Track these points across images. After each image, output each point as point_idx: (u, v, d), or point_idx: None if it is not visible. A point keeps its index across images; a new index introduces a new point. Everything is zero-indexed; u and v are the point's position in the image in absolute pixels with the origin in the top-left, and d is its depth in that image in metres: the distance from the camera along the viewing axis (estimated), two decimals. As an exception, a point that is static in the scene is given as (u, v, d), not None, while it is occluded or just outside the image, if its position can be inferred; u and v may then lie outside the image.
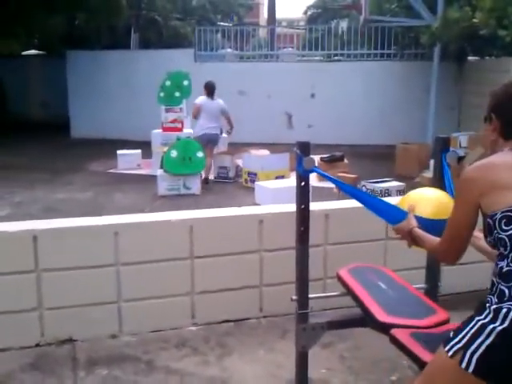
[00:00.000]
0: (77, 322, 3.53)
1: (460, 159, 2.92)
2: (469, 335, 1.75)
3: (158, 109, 9.89)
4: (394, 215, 2.41)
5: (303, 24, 36.14)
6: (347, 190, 2.80)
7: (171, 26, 25.90)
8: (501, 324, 1.70)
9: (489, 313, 1.74)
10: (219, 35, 17.53)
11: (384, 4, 12.14)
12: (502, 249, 1.80)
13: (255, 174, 8.80)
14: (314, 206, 4.04)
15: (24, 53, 20.88)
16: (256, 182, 8.07)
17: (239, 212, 3.86)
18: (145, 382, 3.12)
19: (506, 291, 1.74)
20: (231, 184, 9.18)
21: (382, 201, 2.63)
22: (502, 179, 1.81)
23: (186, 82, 10.02)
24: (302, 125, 13.82)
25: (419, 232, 2.22)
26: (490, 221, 1.81)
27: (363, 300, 2.70)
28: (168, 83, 9.96)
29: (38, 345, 3.46)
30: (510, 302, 1.71)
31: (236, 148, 10.25)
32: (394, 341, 2.35)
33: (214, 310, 3.77)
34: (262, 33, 31.06)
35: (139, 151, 10.81)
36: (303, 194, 2.85)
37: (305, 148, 2.83)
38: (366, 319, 2.70)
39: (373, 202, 2.63)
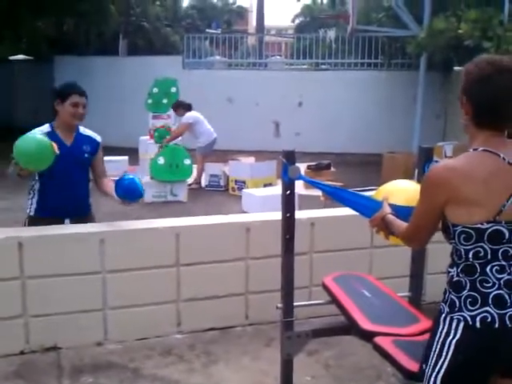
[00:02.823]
0: (62, 330, 3.51)
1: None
2: (434, 358, 1.82)
3: (146, 115, 9.88)
4: (372, 208, 2.40)
5: (292, 32, 36.34)
6: (327, 190, 2.83)
7: (161, 33, 25.94)
8: (453, 337, 1.77)
9: (443, 326, 1.81)
10: (207, 43, 17.60)
11: (371, 14, 12.27)
12: (455, 257, 1.83)
13: (243, 182, 8.82)
14: (299, 214, 4.08)
15: (12, 58, 20.80)
16: (243, 190, 8.10)
17: (226, 220, 3.88)
18: (130, 389, 3.12)
19: (457, 301, 1.79)
20: (221, 192, 9.19)
21: (360, 195, 2.67)
22: (470, 194, 1.71)
23: (173, 89, 9.99)
24: (289, 133, 13.90)
25: (391, 218, 2.20)
26: (451, 229, 1.80)
27: (347, 308, 2.73)
28: (155, 90, 9.93)
29: (22, 352, 3.44)
30: (460, 313, 1.77)
31: (224, 156, 10.28)
32: (377, 348, 2.38)
33: (200, 317, 3.77)
34: (251, 40, 31.28)
35: (126, 158, 10.79)
36: (289, 203, 2.87)
37: (290, 156, 2.85)
38: (350, 327, 2.73)
39: (352, 199, 2.66)
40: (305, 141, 13.60)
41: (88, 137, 3.67)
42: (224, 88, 13.92)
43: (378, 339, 2.41)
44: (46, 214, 3.56)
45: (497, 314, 1.74)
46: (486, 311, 1.74)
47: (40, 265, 3.43)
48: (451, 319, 1.79)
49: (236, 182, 8.96)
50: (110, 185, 3.68)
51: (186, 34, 15.92)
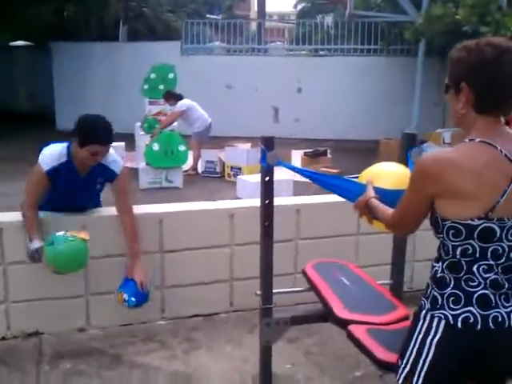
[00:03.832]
0: (44, 316, 3.51)
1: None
2: (413, 356, 1.77)
3: (143, 101, 9.83)
4: (356, 192, 2.30)
5: (294, 18, 36.02)
6: (308, 175, 2.76)
7: (162, 19, 25.75)
8: (434, 336, 1.72)
9: (423, 323, 1.75)
10: (208, 28, 17.45)
11: (370, -1, 12.16)
12: (442, 252, 1.75)
13: (239, 169, 8.79)
14: (285, 200, 4.08)
15: (12, 43, 20.73)
16: (238, 176, 8.06)
17: (210, 206, 3.84)
18: (109, 375, 3.11)
19: (439, 298, 1.73)
20: (217, 178, 9.15)
21: (343, 179, 2.60)
22: (461, 188, 1.62)
23: (171, 75, 9.91)
24: (288, 119, 13.83)
25: (375, 202, 2.10)
26: (440, 223, 1.71)
27: (324, 295, 2.70)
28: (153, 76, 9.85)
29: (3, 338, 3.44)
30: (442, 311, 1.71)
31: (221, 142, 10.24)
32: (351, 337, 2.36)
33: (184, 304, 3.76)
34: (253, 26, 30.99)
35: (122, 144, 10.69)
36: (267, 189, 2.84)
37: (269, 142, 2.80)
38: (328, 315, 2.71)
39: (334, 183, 2.60)
40: (304, 127, 13.57)
41: (107, 168, 3.31)
42: (223, 74, 13.84)
43: (351, 327, 2.39)
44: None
45: (480, 314, 1.67)
46: (469, 311, 1.67)
47: (21, 250, 3.40)
48: (432, 317, 1.73)
49: (232, 168, 8.93)
50: (129, 230, 3.37)
51: (185, 20, 15.78)
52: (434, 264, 1.79)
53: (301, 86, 13.84)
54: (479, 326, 1.67)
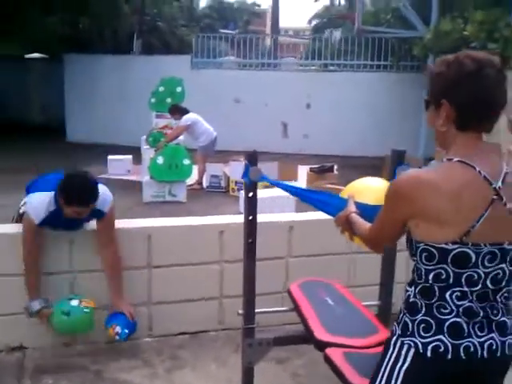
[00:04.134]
0: (28, 330, 3.46)
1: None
2: (383, 383, 1.70)
3: (151, 114, 9.85)
4: (338, 207, 2.25)
5: (308, 34, 36.16)
6: (290, 190, 2.73)
7: (176, 33, 26.00)
8: (403, 364, 1.65)
9: (393, 350, 1.68)
10: (222, 43, 17.53)
11: (380, 14, 12.09)
12: (416, 276, 1.68)
13: (244, 184, 8.71)
14: (278, 217, 4.01)
15: (27, 56, 21.02)
16: (241, 191, 8.00)
17: (199, 222, 3.79)
18: (89, 393, 3.05)
19: (410, 325, 1.66)
20: (221, 193, 9.10)
21: (325, 193, 2.59)
22: (435, 210, 1.54)
23: (179, 89, 9.94)
24: (297, 134, 13.79)
25: (355, 218, 2.04)
26: (414, 245, 1.64)
27: (306, 316, 2.63)
28: (161, 89, 9.89)
29: (-13, 352, 3.40)
30: (412, 338, 1.64)
31: (228, 156, 10.21)
32: (327, 360, 2.28)
33: (172, 321, 3.69)
34: (268, 41, 31.16)
35: (130, 157, 10.78)
36: (251, 205, 2.78)
37: (252, 157, 2.76)
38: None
39: (317, 198, 2.56)
40: (313, 143, 13.51)
41: (95, 209, 3.25)
42: (232, 88, 13.86)
43: (328, 350, 2.32)
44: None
45: (451, 343, 1.59)
46: (440, 340, 1.59)
47: (5, 262, 3.37)
48: (402, 344, 1.65)
49: (236, 183, 8.87)
50: (110, 266, 3.40)
51: (196, 34, 15.86)
52: (407, 288, 1.72)
53: (310, 101, 13.80)
54: (449, 356, 1.59)
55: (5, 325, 3.43)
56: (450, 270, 1.59)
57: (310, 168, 9.40)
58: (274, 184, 2.86)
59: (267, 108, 13.76)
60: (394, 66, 13.32)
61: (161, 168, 8.29)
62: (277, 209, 6.25)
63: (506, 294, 1.66)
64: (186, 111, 9.22)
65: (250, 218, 2.78)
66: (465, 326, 1.60)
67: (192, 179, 9.02)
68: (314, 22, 37.56)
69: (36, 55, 21.60)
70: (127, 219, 3.86)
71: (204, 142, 9.36)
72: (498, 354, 1.62)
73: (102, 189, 3.34)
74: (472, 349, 1.59)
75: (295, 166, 10.08)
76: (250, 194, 2.77)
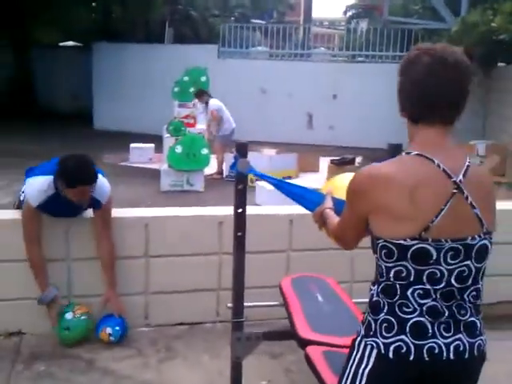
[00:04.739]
0: (28, 315, 3.48)
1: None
2: None
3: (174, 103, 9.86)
4: (317, 203, 2.21)
5: (343, 24, 35.69)
6: (273, 182, 2.69)
7: (208, 23, 25.98)
8: (366, 365, 1.58)
9: (357, 351, 1.62)
10: (256, 33, 17.42)
11: (409, 5, 11.80)
12: (378, 274, 1.61)
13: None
14: (278, 209, 3.94)
15: (62, 44, 21.34)
16: (256, 182, 7.94)
17: (198, 212, 3.75)
18: (78, 380, 3.05)
19: (373, 325, 1.58)
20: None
21: (305, 188, 2.54)
22: (392, 204, 1.49)
23: (203, 78, 9.95)
24: (323, 126, 13.64)
25: (328, 213, 2.00)
26: (374, 241, 1.58)
27: (292, 312, 2.57)
28: (186, 78, 9.91)
29: (-15, 335, 3.44)
30: (374, 338, 1.57)
31: (250, 146, 10.15)
32: (306, 358, 2.22)
33: (169, 311, 3.67)
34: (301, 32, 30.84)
35: (152, 145, 10.84)
36: (240, 197, 2.73)
37: (242, 148, 2.69)
38: (296, 333, 2.57)
39: (296, 192, 2.51)
40: (338, 134, 13.36)
41: (93, 197, 3.25)
42: (259, 78, 13.77)
43: (308, 349, 2.25)
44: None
45: (413, 344, 1.51)
46: (401, 340, 1.52)
47: (6, 249, 3.40)
48: (365, 345, 1.59)
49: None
50: (106, 259, 3.40)
51: (223, 24, 15.80)
52: (371, 287, 1.65)
53: (337, 92, 13.61)
54: (412, 357, 1.51)
55: (5, 310, 3.46)
56: (410, 267, 1.51)
57: (331, 160, 9.28)
58: (258, 176, 2.80)
59: (293, 99, 13.65)
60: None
61: (179, 157, 8.30)
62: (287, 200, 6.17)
63: (474, 293, 1.57)
64: (210, 96, 9.25)
65: (240, 210, 2.73)
66: (429, 325, 1.52)
67: (211, 168, 9.01)
68: (349, 13, 37.01)
69: (70, 43, 21.93)
70: (128, 208, 3.85)
71: (225, 130, 9.34)
72: (466, 356, 1.54)
73: (102, 180, 3.33)
74: (437, 350, 1.51)
75: (317, 158, 9.97)
76: (240, 186, 2.71)
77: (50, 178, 3.22)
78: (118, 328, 3.36)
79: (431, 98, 1.53)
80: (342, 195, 2.14)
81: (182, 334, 3.59)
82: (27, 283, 3.42)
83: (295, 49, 15.14)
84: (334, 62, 14.45)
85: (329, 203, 2.08)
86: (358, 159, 9.99)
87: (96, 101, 15.21)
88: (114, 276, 3.44)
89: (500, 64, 11.28)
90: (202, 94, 9.20)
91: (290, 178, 8.70)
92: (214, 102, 9.26)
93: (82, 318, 3.36)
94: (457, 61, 1.52)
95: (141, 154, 10.70)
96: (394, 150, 2.82)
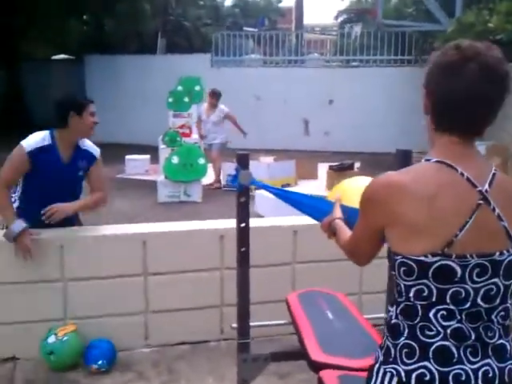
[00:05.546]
0: (22, 340, 3.32)
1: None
2: None
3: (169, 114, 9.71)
4: (325, 212, 2.08)
5: (336, 29, 35.71)
6: (278, 193, 2.56)
7: (201, 32, 25.94)
8: None
9: (376, 378, 1.46)
10: (248, 40, 17.33)
11: (402, 8, 11.72)
12: (396, 294, 1.46)
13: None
14: (281, 221, 3.79)
15: (54, 57, 21.21)
16: (256, 191, 7.78)
17: (198, 226, 3.60)
18: (77, 409, 2.89)
19: (392, 350, 1.43)
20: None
21: (312, 197, 2.45)
22: (410, 217, 1.35)
23: (197, 88, 9.80)
24: (319, 131, 13.52)
25: (338, 224, 1.86)
26: (392, 257, 1.44)
27: (302, 332, 2.41)
28: (180, 88, 9.76)
29: (-22, 362, 3.28)
30: (394, 365, 1.41)
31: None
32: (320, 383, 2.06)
33: (170, 330, 3.51)
34: (293, 38, 30.81)
35: (148, 156, 10.69)
36: (243, 211, 2.58)
37: (244, 160, 2.55)
38: (306, 353, 2.41)
39: (303, 201, 2.39)
40: (335, 140, 13.24)
41: (86, 151, 3.37)
42: (253, 86, 13.66)
43: (323, 373, 2.09)
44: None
45: (437, 371, 1.36)
46: (424, 366, 1.36)
47: (1, 273, 3.25)
48: (384, 372, 1.43)
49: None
50: (95, 196, 3.45)
51: (215, 33, 15.69)
52: (389, 308, 1.50)
53: (332, 97, 13.51)
54: None
55: (-3, 335, 3.30)
56: (432, 286, 1.37)
57: (330, 166, 9.14)
58: (261, 187, 2.66)
59: (288, 105, 13.53)
60: (418, 60, 12.91)
61: (175, 168, 8.15)
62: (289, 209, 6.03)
63: (502, 313, 1.42)
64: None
65: (243, 224, 2.58)
66: (454, 350, 1.37)
67: (209, 178, 8.86)
68: (340, 18, 37.02)
69: (62, 56, 21.81)
70: (126, 224, 3.70)
71: (223, 139, 9.17)
72: (496, 382, 1.39)
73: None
74: (463, 377, 1.36)
75: (315, 165, 9.84)
76: (242, 199, 2.57)
77: (46, 131, 3.26)
78: (101, 362, 3.16)
79: (465, 109, 1.38)
80: (350, 198, 2.01)
81: (184, 354, 3.43)
82: (20, 307, 3.27)
83: (289, 55, 15.03)
84: (328, 68, 14.34)
85: (338, 212, 1.95)
86: (357, 164, 9.88)
87: (89, 113, 15.05)
88: (83, 205, 3.40)
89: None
90: (216, 96, 9.03)
91: (288, 185, 8.56)
92: (222, 106, 9.13)
93: (65, 339, 3.16)
94: (505, 73, 1.37)
95: (136, 166, 10.55)
96: (403, 156, 2.67)
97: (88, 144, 3.42)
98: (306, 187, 8.57)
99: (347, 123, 13.20)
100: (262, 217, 6.53)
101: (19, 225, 3.10)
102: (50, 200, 3.22)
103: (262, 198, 7.48)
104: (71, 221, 3.44)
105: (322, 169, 9.59)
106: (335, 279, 3.40)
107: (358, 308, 3.59)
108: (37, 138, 3.21)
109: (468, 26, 7.92)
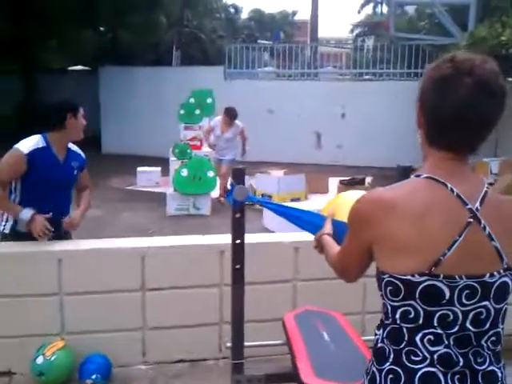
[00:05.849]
0: (17, 355, 3.29)
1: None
2: None
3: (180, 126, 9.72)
4: (319, 226, 2.05)
5: (350, 42, 35.79)
6: (274, 208, 2.52)
7: (216, 44, 26.14)
8: None
9: None
10: (264, 53, 17.38)
11: (416, 22, 11.66)
12: (383, 315, 1.41)
13: (270, 197, 8.47)
14: (282, 237, 3.73)
15: (70, 68, 21.47)
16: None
17: (198, 241, 3.55)
18: (69, 428, 2.84)
19: (377, 377, 1.39)
20: (248, 206, 8.82)
21: (306, 211, 2.40)
22: (397, 234, 1.30)
23: (209, 100, 9.81)
24: (331, 145, 13.45)
25: (325, 240, 1.83)
26: (379, 276, 1.38)
27: (295, 354, 2.35)
28: (191, 101, 9.78)
29: (-26, 377, 3.25)
30: None
31: (255, 168, 9.98)
32: (310, 410, 1.99)
33: (168, 348, 3.46)
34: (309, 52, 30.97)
35: (159, 169, 10.70)
36: (238, 227, 2.53)
37: (239, 175, 2.50)
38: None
39: (298, 216, 2.36)
40: (347, 153, 13.16)
41: (75, 152, 3.56)
42: (266, 99, 13.64)
43: (313, 398, 2.02)
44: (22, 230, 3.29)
45: None
46: None
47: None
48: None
49: (263, 196, 8.62)
50: (85, 194, 3.66)
51: (228, 45, 15.74)
52: (376, 331, 1.44)
53: (345, 111, 13.44)
54: None
55: (-8, 349, 3.28)
56: (419, 308, 1.31)
57: (340, 180, 9.07)
58: (259, 203, 2.62)
59: (301, 118, 13.48)
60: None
61: (185, 180, 8.13)
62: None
63: (493, 338, 1.35)
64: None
65: (238, 241, 2.53)
66: (441, 376, 1.30)
67: (217, 191, 8.82)
68: (356, 32, 37.12)
69: (79, 67, 22.06)
70: (125, 238, 3.66)
71: (234, 155, 9.07)
72: None
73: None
74: None
75: (326, 179, 9.76)
76: (237, 215, 2.51)
77: (38, 135, 3.34)
78: (95, 376, 3.12)
79: (459, 126, 1.32)
80: (344, 212, 1.94)
81: (182, 373, 3.37)
82: (17, 321, 3.25)
83: (302, 68, 15.01)
84: (341, 81, 14.29)
85: (328, 228, 1.91)
86: (368, 179, 9.79)
87: (103, 124, 15.14)
88: (87, 207, 3.59)
89: (509, 79, 11.06)
90: (233, 114, 8.89)
91: (298, 199, 8.50)
92: (238, 122, 9.07)
93: (53, 358, 3.10)
94: (501, 88, 1.31)
95: (147, 178, 10.56)
96: (403, 173, 2.61)
97: (74, 147, 3.57)
98: (315, 201, 8.50)
99: (360, 137, 13.12)
100: (271, 231, 6.47)
101: (27, 211, 3.21)
102: (49, 200, 3.32)
103: (270, 213, 7.41)
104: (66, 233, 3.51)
105: (333, 183, 9.52)
106: (337, 298, 3.32)
107: (361, 327, 3.54)
108: (32, 141, 3.30)
109: (481, 40, 7.85)
